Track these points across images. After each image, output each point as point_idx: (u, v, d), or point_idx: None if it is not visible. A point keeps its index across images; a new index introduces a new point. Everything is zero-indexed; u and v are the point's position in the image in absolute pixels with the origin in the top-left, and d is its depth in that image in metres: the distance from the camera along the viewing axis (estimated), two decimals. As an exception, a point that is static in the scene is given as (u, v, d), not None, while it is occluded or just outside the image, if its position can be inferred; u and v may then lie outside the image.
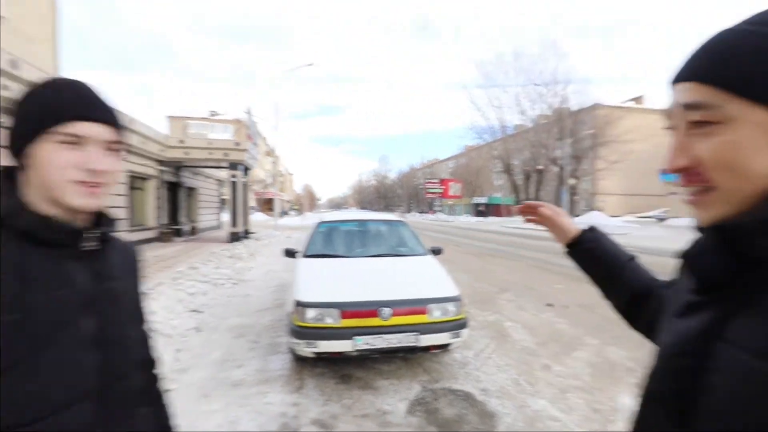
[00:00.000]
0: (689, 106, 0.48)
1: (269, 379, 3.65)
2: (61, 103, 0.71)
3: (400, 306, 3.50)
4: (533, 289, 7.67)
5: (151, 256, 11.73)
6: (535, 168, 33.81)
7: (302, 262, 4.42)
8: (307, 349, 3.38)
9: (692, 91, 0.47)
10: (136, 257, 0.94)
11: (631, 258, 0.88)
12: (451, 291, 3.82)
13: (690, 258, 0.52)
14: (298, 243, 6.96)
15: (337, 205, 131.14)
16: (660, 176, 22.40)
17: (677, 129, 0.50)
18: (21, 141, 0.71)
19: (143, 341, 0.93)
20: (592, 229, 0.93)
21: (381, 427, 2.92)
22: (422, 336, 3.47)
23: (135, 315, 0.90)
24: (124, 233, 13.26)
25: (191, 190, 20.77)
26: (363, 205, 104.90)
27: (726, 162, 0.45)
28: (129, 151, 13.52)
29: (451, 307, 3.67)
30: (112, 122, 0.76)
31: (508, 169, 37.11)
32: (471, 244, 17.09)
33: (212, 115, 49.91)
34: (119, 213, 13.39)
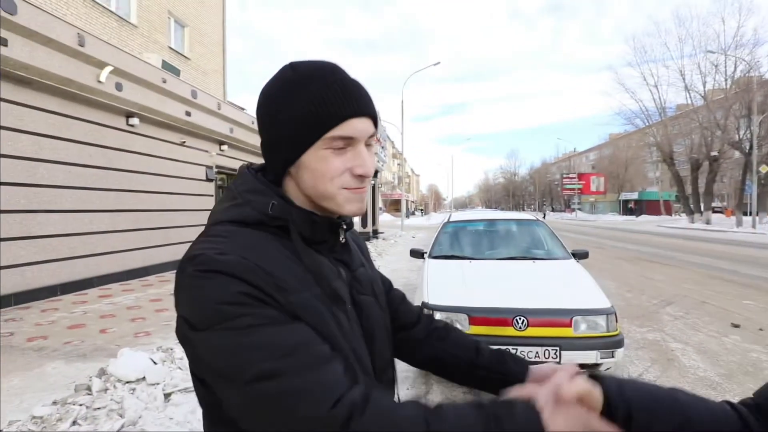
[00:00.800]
0: None
1: (399, 378, 3.61)
2: (333, 102, 0.63)
3: (539, 316, 3.10)
4: (709, 304, 6.22)
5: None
6: (707, 155, 27.65)
7: (429, 263, 4.30)
8: (434, 354, 3.23)
9: None
10: (362, 241, 0.92)
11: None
12: (602, 302, 3.25)
13: None
14: (423, 243, 6.88)
15: (462, 204, 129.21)
16: None
17: None
18: (291, 150, 0.65)
19: (389, 331, 0.84)
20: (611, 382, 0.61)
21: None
22: (565, 352, 3.01)
23: (381, 311, 0.82)
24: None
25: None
26: (489, 204, 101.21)
27: None
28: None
29: (601, 321, 3.11)
30: (371, 113, 0.67)
31: (668, 158, 31.14)
32: (620, 247, 14.89)
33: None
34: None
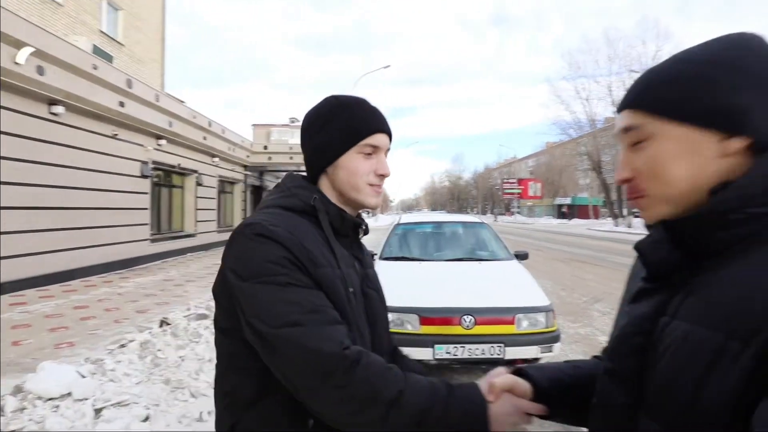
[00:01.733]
0: (625, 129, 0.59)
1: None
2: (365, 120, 0.88)
3: (485, 314, 3.23)
4: (632, 300, 6.82)
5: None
6: (628, 165, 30.47)
7: (380, 265, 4.32)
8: (384, 354, 3.25)
9: (627, 118, 0.59)
10: (369, 253, 1.09)
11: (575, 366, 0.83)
12: (542, 300, 3.45)
13: (641, 250, 0.60)
14: (372, 245, 6.93)
15: (409, 207, 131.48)
16: None
17: (622, 149, 0.61)
18: (334, 152, 0.87)
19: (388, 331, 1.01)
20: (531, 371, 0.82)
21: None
22: (508, 348, 3.17)
23: (383, 306, 1.00)
24: (214, 233, 14.46)
25: (274, 193, 22.12)
26: (435, 206, 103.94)
27: (651, 170, 0.56)
28: (220, 158, 14.73)
29: (541, 318, 3.31)
30: (390, 132, 0.92)
31: (597, 167, 33.90)
32: (555, 249, 15.93)
33: (292, 121, 52.90)
34: (211, 215, 14.64)
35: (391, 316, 3.27)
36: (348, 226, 0.90)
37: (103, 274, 8.61)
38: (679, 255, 0.56)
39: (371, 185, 0.88)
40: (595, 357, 0.83)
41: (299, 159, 15.18)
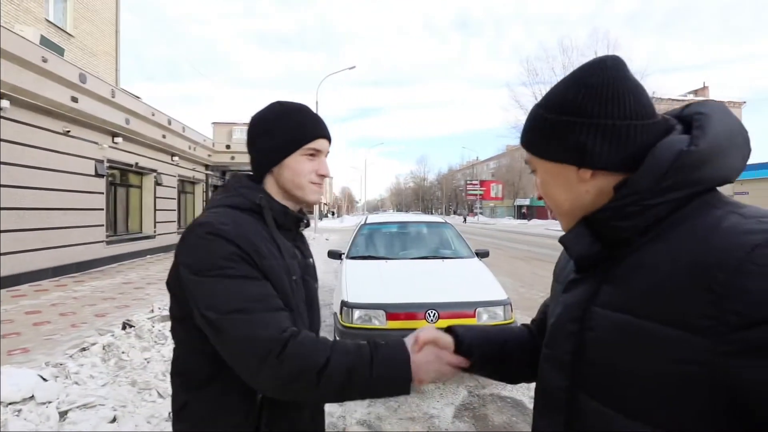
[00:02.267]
0: (525, 161, 0.74)
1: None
2: (309, 126, 0.98)
3: (447, 309, 3.43)
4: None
5: (201, 256, 12.27)
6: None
7: (347, 264, 4.44)
8: (353, 349, 3.38)
9: (525, 153, 0.73)
10: (305, 239, 1.16)
11: (501, 330, 0.97)
12: (500, 294, 3.70)
13: (565, 243, 0.69)
14: (338, 245, 7.01)
15: (374, 207, 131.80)
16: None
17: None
18: (280, 154, 0.97)
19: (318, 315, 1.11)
20: (455, 329, 0.96)
21: (428, 429, 2.86)
22: (469, 340, 3.38)
23: (316, 284, 1.12)
24: (174, 234, 13.99)
25: (237, 193, 21.58)
26: (400, 207, 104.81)
27: (544, 194, 0.72)
28: (180, 157, 14.27)
29: (499, 311, 3.55)
30: (330, 137, 1.03)
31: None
32: (515, 248, 16.61)
33: (256, 120, 51.62)
34: (171, 215, 14.15)
35: (358, 312, 3.42)
36: (290, 221, 1.00)
37: (55, 278, 8.17)
38: (598, 247, 0.63)
39: (313, 183, 0.99)
40: (524, 325, 0.97)
41: (264, 159, 14.99)
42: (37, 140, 7.77)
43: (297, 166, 0.97)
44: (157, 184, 12.95)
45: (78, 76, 8.29)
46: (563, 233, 0.71)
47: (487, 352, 0.87)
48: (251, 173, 1.02)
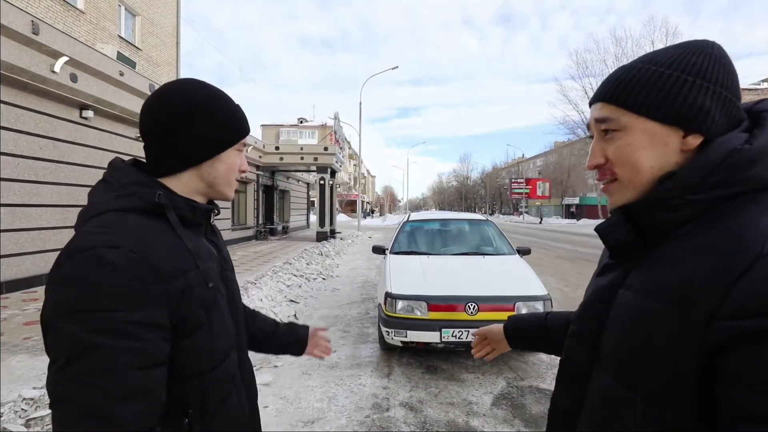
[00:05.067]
0: (599, 120, 0.66)
1: (360, 364, 3.96)
2: (244, 120, 0.90)
3: (487, 302, 3.57)
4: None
5: (251, 251, 13.05)
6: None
7: (391, 258, 4.68)
8: (396, 337, 3.61)
9: (601, 109, 0.66)
10: (218, 229, 1.08)
11: (548, 313, 1.08)
12: (540, 290, 3.78)
13: (601, 232, 0.68)
14: (381, 243, 7.25)
15: (416, 206, 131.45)
16: None
17: (595, 137, 0.68)
18: (218, 147, 0.84)
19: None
20: (509, 318, 1.15)
21: (467, 415, 3.04)
22: (508, 333, 3.50)
23: (234, 275, 1.04)
24: (229, 231, 14.91)
25: (284, 193, 22.57)
26: (443, 206, 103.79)
27: (624, 158, 0.63)
28: (235, 158, 15.15)
29: (539, 305, 3.64)
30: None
31: (604, 167, 33.83)
32: (561, 248, 16.14)
33: (300, 122, 53.40)
34: (226, 213, 15.09)
35: (401, 303, 3.65)
36: (200, 215, 0.86)
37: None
38: (634, 235, 0.64)
39: (236, 180, 0.91)
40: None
41: (309, 159, 15.49)
42: (116, 145, 8.68)
43: (232, 161, 0.87)
44: (214, 184, 13.84)
45: (148, 86, 9.14)
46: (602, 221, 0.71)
47: (528, 322, 1.09)
48: (136, 162, 0.85)
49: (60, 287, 0.65)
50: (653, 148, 0.61)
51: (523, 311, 3.61)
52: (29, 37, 5.95)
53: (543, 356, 4.13)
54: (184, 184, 0.83)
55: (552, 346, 1.03)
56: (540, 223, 43.89)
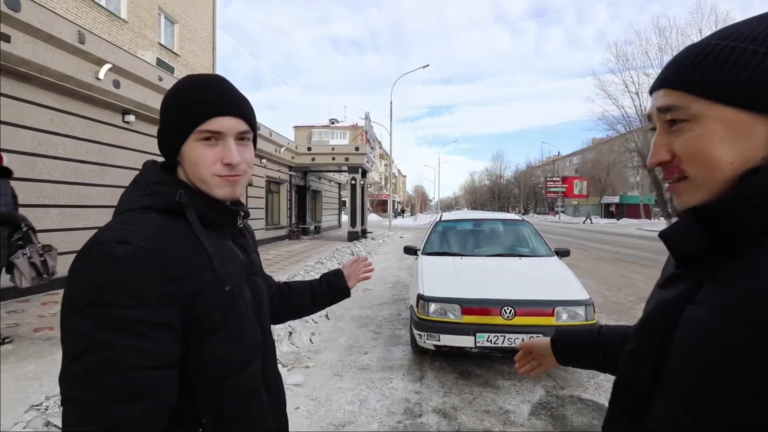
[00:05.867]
0: (663, 109, 0.56)
1: (392, 367, 3.88)
2: (201, 103, 0.75)
3: (525, 306, 3.40)
4: (681, 301, 6.64)
5: (284, 251, 13.27)
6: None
7: (423, 259, 4.57)
8: (428, 341, 3.50)
9: (665, 97, 0.56)
10: (253, 233, 1.04)
11: (601, 327, 0.95)
12: (581, 294, 3.57)
13: (666, 238, 0.59)
14: (413, 242, 7.12)
15: (448, 206, 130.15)
16: None
17: (658, 129, 0.58)
18: (173, 142, 0.77)
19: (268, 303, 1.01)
20: (557, 332, 1.02)
21: (504, 425, 2.89)
22: (547, 339, 3.31)
23: (265, 282, 1.00)
24: (262, 231, 15.24)
25: (316, 193, 22.86)
26: (475, 205, 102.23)
27: (695, 153, 0.53)
28: (267, 159, 15.50)
29: (580, 311, 3.43)
30: (241, 114, 0.79)
31: (648, 164, 32.06)
32: (600, 248, 15.45)
33: (331, 123, 54.05)
34: (260, 213, 15.44)
35: (434, 305, 3.53)
36: (223, 217, 0.81)
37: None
38: (706, 242, 0.53)
39: (219, 176, 0.77)
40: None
41: (341, 159, 15.65)
42: (156, 148, 8.98)
43: (194, 155, 0.76)
44: (249, 184, 14.22)
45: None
46: (663, 228, 0.61)
47: (579, 336, 0.97)
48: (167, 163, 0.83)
49: (72, 282, 0.65)
50: (733, 140, 0.50)
51: (564, 316, 3.41)
52: (76, 46, 6.25)
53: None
54: (189, 184, 0.80)
55: (608, 364, 0.90)
56: (586, 222, 41.62)
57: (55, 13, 6.01)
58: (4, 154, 4.99)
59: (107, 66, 6.89)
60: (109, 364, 0.60)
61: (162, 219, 0.72)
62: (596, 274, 9.28)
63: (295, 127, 53.33)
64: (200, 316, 0.71)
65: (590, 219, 43.29)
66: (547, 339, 1.03)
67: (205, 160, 0.75)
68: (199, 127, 0.75)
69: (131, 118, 8.01)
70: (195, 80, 0.79)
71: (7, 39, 5.34)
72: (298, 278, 7.52)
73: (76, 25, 6.39)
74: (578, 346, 0.97)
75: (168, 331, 0.66)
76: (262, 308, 0.89)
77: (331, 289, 1.23)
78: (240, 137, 0.79)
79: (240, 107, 0.79)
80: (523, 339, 3.31)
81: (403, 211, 70.08)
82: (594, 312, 3.50)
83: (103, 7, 11.54)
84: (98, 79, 6.82)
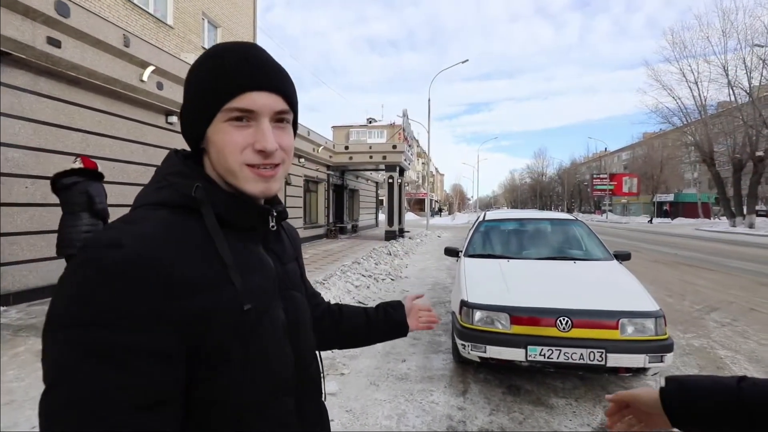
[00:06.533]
0: None
1: (432, 377, 3.60)
2: (230, 75, 0.60)
3: (584, 317, 3.01)
4: (759, 312, 5.90)
5: (321, 250, 13.27)
6: (751, 154, 26.11)
7: (466, 262, 4.25)
8: (473, 352, 3.19)
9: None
10: (297, 235, 0.86)
11: (741, 379, 0.66)
12: (650, 305, 3.13)
13: None
14: (451, 243, 6.79)
15: (486, 204, 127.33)
16: None
17: None
18: (197, 124, 0.63)
19: (311, 326, 0.81)
20: (669, 382, 0.73)
21: (562, 454, 2.54)
22: (610, 355, 2.92)
23: (306, 299, 0.80)
24: (300, 229, 15.36)
25: (353, 192, 22.86)
26: (515, 204, 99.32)
27: None
28: (305, 159, 15.61)
29: (649, 324, 3.00)
30: (280, 89, 0.63)
31: (708, 159, 29.52)
32: (656, 250, 14.33)
33: (369, 122, 54.17)
34: (298, 212, 15.58)
35: (479, 313, 3.22)
36: (250, 217, 0.65)
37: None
38: None
39: (250, 166, 0.61)
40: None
41: (378, 157, 15.55)
42: (196, 148, 9.24)
43: (219, 139, 0.61)
44: (287, 184, 14.36)
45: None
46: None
47: (707, 389, 0.66)
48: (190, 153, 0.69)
49: (55, 293, 0.51)
50: None
51: (629, 329, 2.99)
52: (121, 50, 6.42)
53: (650, 381, 3.44)
54: (214, 176, 0.65)
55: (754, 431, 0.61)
56: (650, 222, 39.20)
57: (101, 17, 6.19)
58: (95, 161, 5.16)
59: (150, 68, 7.05)
60: (88, 402, 0.46)
61: (173, 218, 0.58)
62: (654, 278, 8.52)
63: (333, 127, 53.93)
64: (209, 343, 0.55)
65: (652, 219, 40.78)
66: (655, 392, 0.73)
67: (233, 145, 0.60)
68: (228, 104, 0.60)
69: (174, 119, 8.20)
70: (223, 48, 0.63)
71: (57, 44, 5.53)
72: (335, 278, 7.39)
73: (121, 28, 6.57)
74: (706, 403, 0.66)
75: (164, 362, 0.51)
76: (298, 331, 0.70)
77: (388, 321, 1.04)
78: (277, 118, 0.63)
79: (278, 81, 0.63)
80: (581, 354, 2.93)
81: (441, 210, 69.17)
82: (665, 325, 3.06)
83: (150, 14, 12.00)
84: (142, 81, 6.99)
